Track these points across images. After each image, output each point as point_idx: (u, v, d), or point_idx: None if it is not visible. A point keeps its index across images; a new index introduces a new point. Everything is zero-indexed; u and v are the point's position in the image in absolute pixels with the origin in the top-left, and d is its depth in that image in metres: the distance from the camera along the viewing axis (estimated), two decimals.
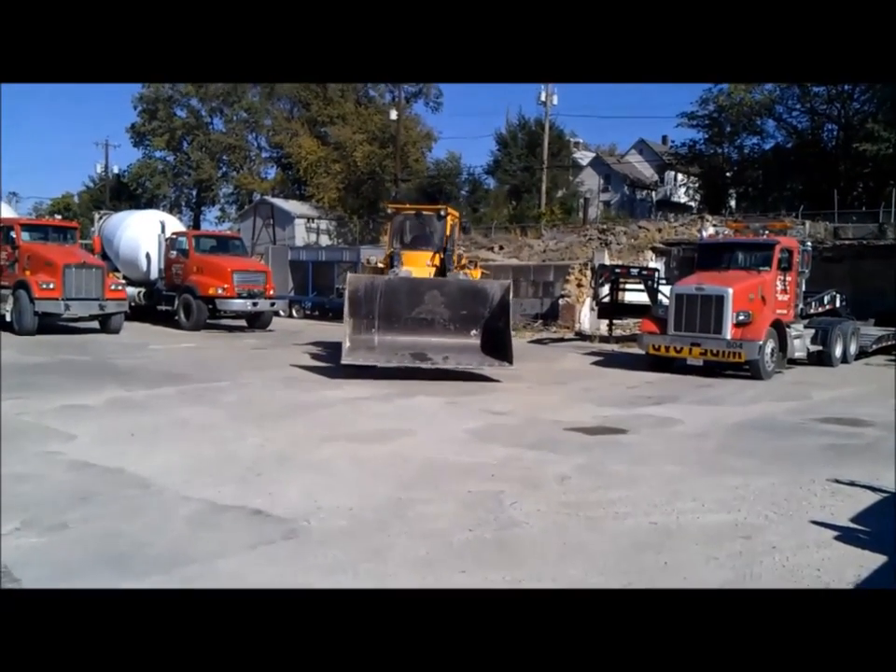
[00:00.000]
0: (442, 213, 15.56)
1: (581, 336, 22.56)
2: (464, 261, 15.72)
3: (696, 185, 50.76)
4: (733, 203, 44.69)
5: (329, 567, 4.39)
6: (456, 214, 16.60)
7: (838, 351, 16.09)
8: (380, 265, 15.32)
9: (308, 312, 28.63)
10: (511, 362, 12.01)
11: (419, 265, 14.48)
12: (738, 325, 13.46)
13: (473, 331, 12.57)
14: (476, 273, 15.76)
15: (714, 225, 24.66)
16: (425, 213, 15.86)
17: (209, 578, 4.15)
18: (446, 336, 12.52)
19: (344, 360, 11.97)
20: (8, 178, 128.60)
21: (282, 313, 25.52)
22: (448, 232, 15.29)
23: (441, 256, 14.60)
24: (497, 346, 12.26)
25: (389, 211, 16.44)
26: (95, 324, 19.16)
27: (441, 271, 14.32)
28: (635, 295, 20.21)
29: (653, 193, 61.51)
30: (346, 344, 12.17)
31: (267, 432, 7.92)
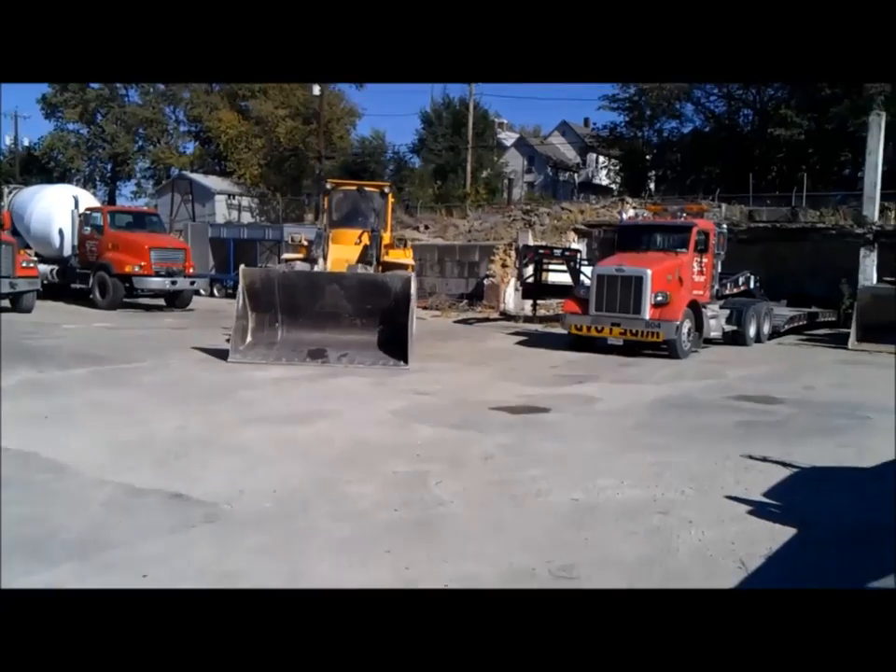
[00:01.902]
0: (386, 190, 15.20)
1: (506, 316, 22.76)
2: (389, 241, 15.18)
3: (617, 167, 51.56)
4: (652, 185, 45.59)
5: (251, 549, 4.34)
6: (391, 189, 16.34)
7: (752, 331, 16.63)
8: (304, 242, 14.98)
9: (230, 291, 27.97)
10: (406, 361, 11.21)
11: (348, 243, 13.96)
12: (656, 305, 13.78)
13: (381, 326, 11.84)
14: (408, 254, 15.38)
15: (634, 207, 25.15)
16: (368, 189, 15.32)
17: (129, 563, 4.06)
18: (353, 332, 11.83)
19: (231, 359, 11.26)
20: None
21: (202, 292, 24.95)
22: (390, 209, 15.16)
23: (370, 234, 14.06)
24: (396, 344, 11.49)
25: (328, 186, 15.59)
26: (6, 303, 18.41)
27: (366, 250, 13.89)
28: (558, 276, 20.49)
29: (576, 175, 62.34)
30: (243, 340, 11.67)
31: (188, 415, 7.76)
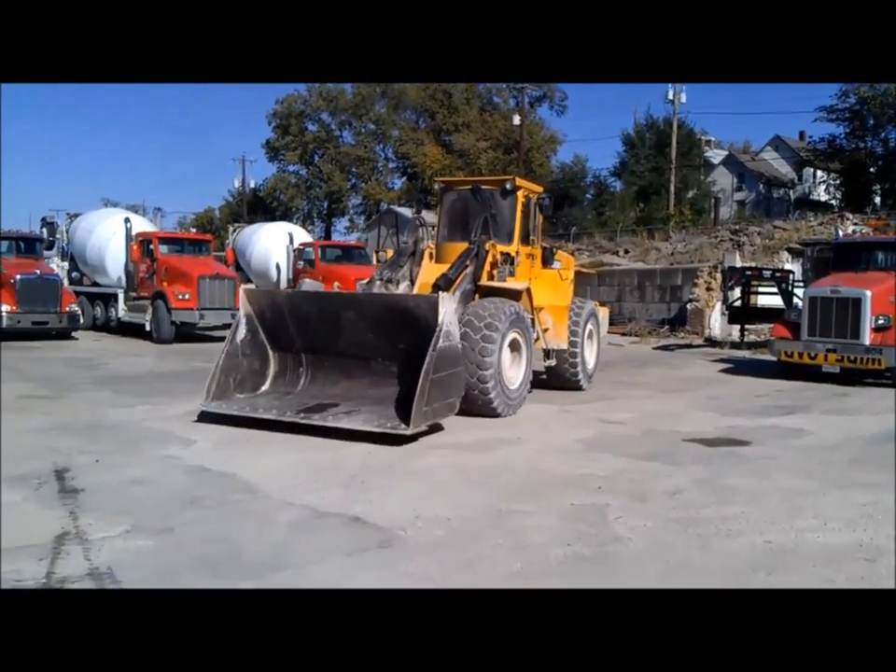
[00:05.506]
0: (508, 186, 10.79)
1: (711, 342, 21.76)
2: (490, 253, 10.30)
3: (837, 182, 48.17)
4: (878, 199, 42.10)
5: (420, 576, 4.32)
6: (536, 188, 11.81)
7: None
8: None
9: None
10: (408, 423, 7.51)
11: (450, 261, 10.07)
12: (878, 329, 12.60)
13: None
14: (564, 274, 11.73)
15: (855, 224, 23.26)
16: (485, 187, 11.05)
17: (301, 584, 4.16)
18: (385, 382, 8.66)
19: (203, 404, 8.64)
20: (152, 194, 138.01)
21: None
22: (519, 213, 10.82)
23: (484, 244, 10.10)
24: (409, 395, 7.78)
25: (437, 187, 11.83)
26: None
27: (473, 272, 9.97)
28: (769, 299, 19.34)
29: (791, 192, 58.81)
30: (250, 387, 9.12)
31: (376, 439, 7.93)
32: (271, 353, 9.36)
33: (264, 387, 9.25)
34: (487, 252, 10.13)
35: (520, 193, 10.86)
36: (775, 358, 14.23)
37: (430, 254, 10.80)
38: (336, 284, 20.65)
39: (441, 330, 7.92)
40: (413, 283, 10.31)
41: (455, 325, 8.36)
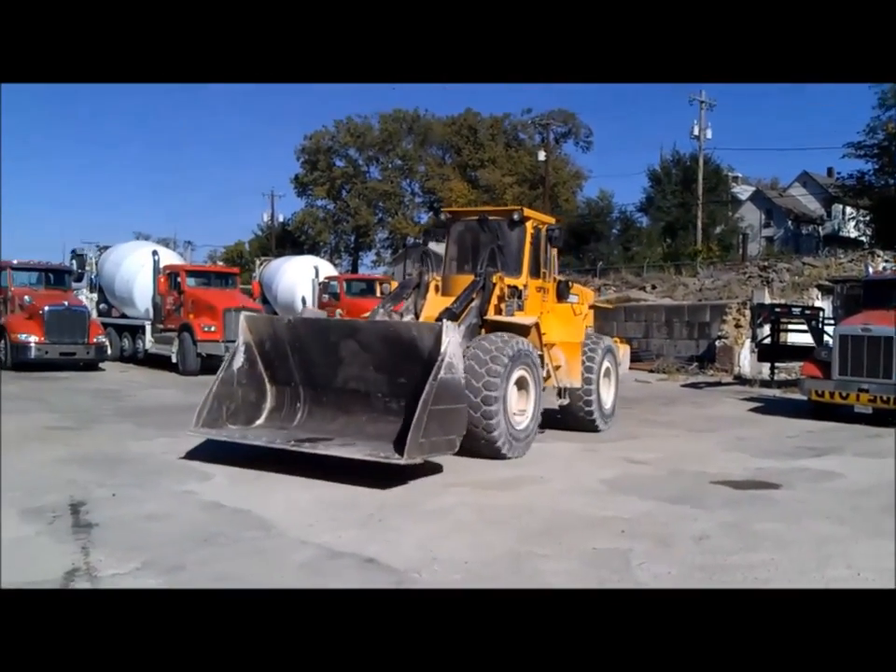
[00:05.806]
0: (516, 217, 10.37)
1: (740, 380, 21.43)
2: (499, 287, 9.89)
3: (867, 218, 47.72)
4: None
5: None
6: (547, 219, 11.54)
7: None
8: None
9: None
10: (402, 454, 7.16)
11: (457, 294, 9.66)
12: None
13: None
14: (578, 308, 11.38)
15: (885, 260, 22.93)
16: (491, 218, 10.68)
17: None
18: (386, 419, 8.22)
19: (191, 431, 8.40)
20: (185, 228, 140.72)
21: None
22: (528, 244, 10.44)
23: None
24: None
25: (443, 217, 11.37)
26: None
27: (479, 306, 9.55)
28: (800, 336, 19.06)
29: (820, 228, 58.32)
30: (245, 417, 8.69)
31: (394, 477, 7.80)
32: (268, 386, 9.00)
33: (259, 421, 8.87)
34: (494, 285, 9.73)
35: (528, 224, 10.43)
36: (805, 398, 13.96)
37: (436, 286, 10.41)
38: (338, 311, 20.48)
39: (443, 361, 7.49)
40: (417, 316, 9.99)
41: (458, 357, 7.88)
